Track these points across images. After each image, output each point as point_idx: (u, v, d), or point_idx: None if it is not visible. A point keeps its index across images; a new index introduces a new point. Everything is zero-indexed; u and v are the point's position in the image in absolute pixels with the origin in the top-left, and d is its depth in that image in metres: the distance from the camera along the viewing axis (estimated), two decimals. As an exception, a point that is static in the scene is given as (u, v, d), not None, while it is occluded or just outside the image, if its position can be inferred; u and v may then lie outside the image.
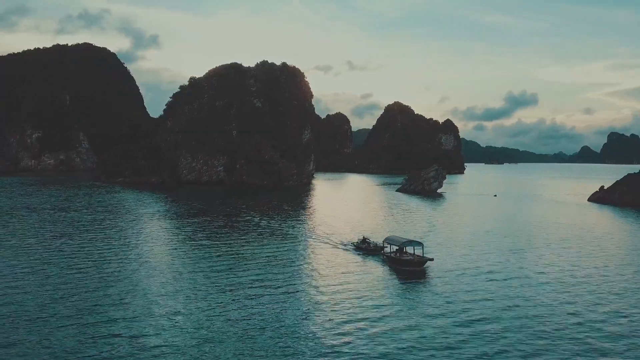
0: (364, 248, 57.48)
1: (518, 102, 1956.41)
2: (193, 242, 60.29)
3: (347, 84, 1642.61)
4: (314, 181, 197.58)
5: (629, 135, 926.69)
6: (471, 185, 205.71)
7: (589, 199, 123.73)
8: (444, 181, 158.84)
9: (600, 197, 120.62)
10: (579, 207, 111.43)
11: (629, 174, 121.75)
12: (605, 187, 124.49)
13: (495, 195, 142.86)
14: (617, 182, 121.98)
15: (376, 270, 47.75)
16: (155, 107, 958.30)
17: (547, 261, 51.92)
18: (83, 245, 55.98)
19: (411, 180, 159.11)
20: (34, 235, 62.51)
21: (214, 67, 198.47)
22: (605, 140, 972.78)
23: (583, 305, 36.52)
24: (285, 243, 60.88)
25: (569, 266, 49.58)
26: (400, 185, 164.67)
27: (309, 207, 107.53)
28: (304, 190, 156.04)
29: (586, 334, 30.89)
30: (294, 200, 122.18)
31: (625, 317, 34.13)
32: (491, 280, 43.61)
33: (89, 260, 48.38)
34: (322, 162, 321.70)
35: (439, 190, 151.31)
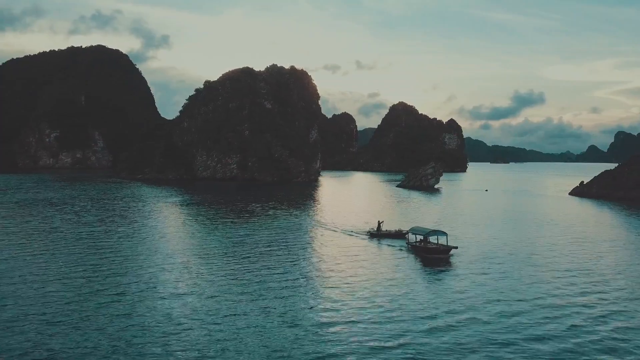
0: (383, 234, 59.86)
1: (525, 101, 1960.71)
2: (212, 228, 70.18)
3: (355, 83, 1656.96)
4: (320, 178, 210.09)
5: (636, 134, 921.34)
6: (468, 182, 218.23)
7: (570, 193, 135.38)
8: (441, 177, 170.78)
9: (579, 191, 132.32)
10: (558, 200, 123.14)
11: (605, 170, 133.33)
12: (585, 182, 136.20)
13: (487, 190, 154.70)
14: (595, 177, 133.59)
15: (403, 257, 50.07)
16: (164, 105, 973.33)
17: (544, 245, 57.08)
18: (127, 221, 69.06)
19: (410, 176, 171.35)
20: (90, 214, 75.45)
21: (227, 70, 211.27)
22: (612, 139, 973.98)
23: (599, 288, 39.22)
24: (300, 232, 65.40)
25: (561, 249, 55.00)
26: (400, 182, 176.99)
27: (318, 200, 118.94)
28: (311, 186, 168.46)
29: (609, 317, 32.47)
30: (303, 194, 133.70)
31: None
32: (514, 265, 46.34)
33: (127, 236, 61.30)
34: (328, 161, 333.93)
35: (436, 186, 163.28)
